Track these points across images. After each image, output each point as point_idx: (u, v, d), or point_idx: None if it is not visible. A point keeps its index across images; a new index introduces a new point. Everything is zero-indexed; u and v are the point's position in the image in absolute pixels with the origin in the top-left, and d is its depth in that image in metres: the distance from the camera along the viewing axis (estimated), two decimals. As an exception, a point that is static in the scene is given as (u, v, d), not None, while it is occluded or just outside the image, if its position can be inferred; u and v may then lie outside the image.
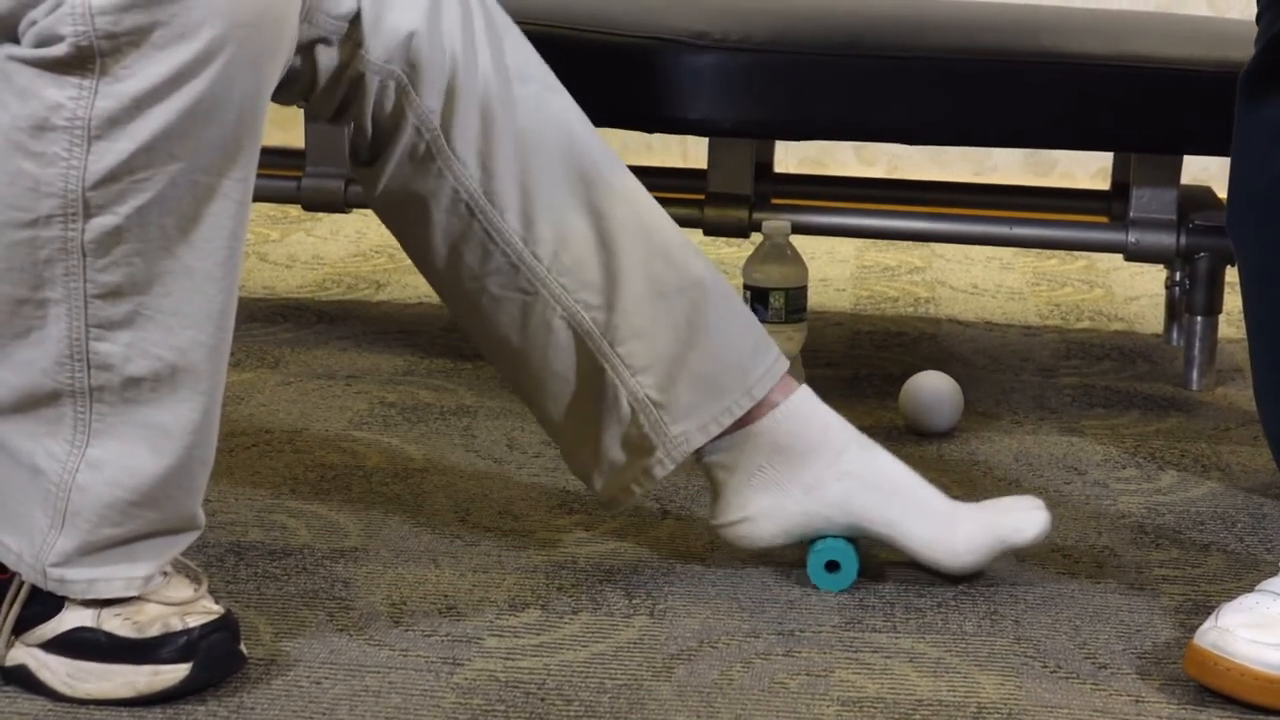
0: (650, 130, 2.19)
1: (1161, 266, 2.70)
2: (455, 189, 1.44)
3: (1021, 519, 1.51)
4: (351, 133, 1.43)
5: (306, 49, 1.35)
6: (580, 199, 1.47)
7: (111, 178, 1.17)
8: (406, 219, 1.47)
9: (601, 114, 2.16)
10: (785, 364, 1.53)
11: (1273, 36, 1.74)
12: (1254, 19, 1.80)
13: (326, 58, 1.37)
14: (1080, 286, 2.72)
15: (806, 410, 1.51)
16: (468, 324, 1.52)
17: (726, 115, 2.11)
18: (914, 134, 2.14)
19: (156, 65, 1.15)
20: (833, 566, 1.52)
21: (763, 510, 1.52)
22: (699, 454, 1.52)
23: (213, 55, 1.15)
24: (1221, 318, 2.21)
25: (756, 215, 2.16)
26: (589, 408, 1.50)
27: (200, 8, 1.14)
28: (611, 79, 2.13)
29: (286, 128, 3.12)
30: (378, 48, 1.38)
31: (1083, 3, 3.30)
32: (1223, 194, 2.02)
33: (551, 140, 1.46)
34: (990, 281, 2.74)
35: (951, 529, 1.51)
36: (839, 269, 2.79)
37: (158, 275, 1.21)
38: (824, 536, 1.52)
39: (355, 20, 1.36)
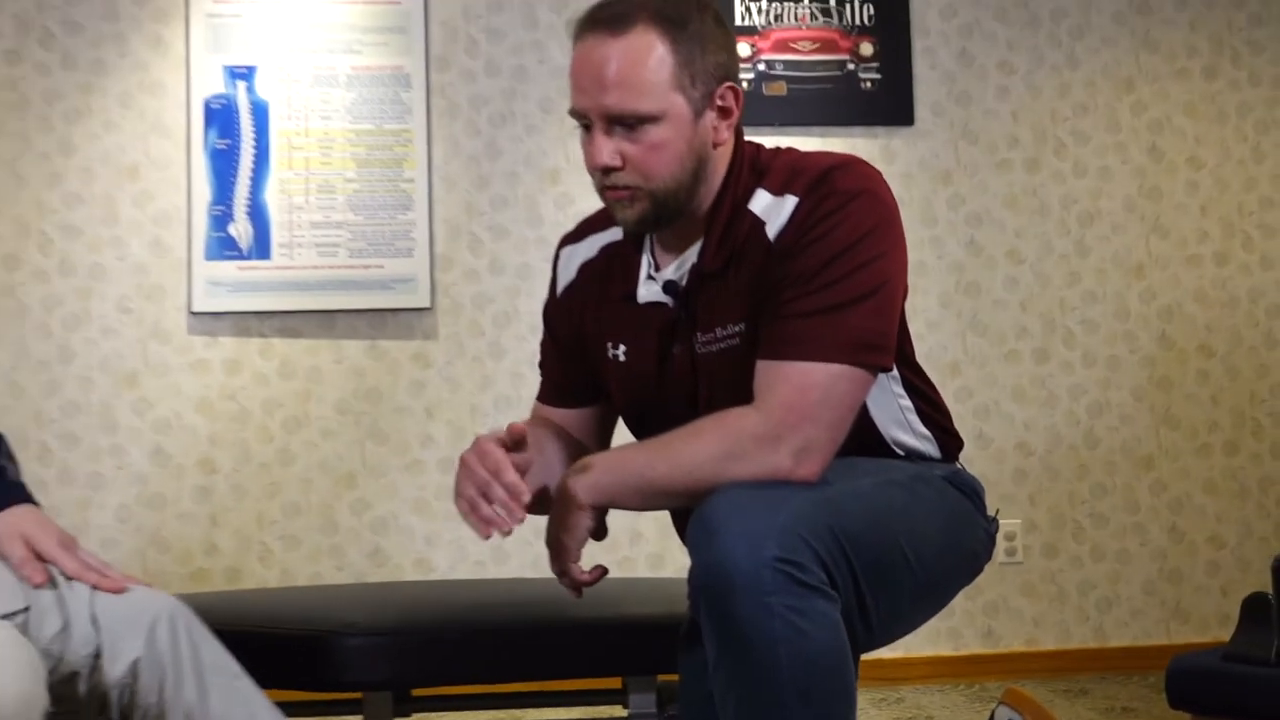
0: (317, 689, 3.16)
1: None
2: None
3: None
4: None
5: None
6: None
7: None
8: None
9: (279, 680, 3.13)
10: None
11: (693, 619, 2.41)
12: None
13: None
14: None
15: None
16: None
17: (371, 677, 3.10)
18: (483, 678, 3.16)
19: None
20: None
21: None
22: None
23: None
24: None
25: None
26: None
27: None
28: (288, 657, 3.10)
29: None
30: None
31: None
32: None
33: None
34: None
35: None
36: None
37: None
38: None
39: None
